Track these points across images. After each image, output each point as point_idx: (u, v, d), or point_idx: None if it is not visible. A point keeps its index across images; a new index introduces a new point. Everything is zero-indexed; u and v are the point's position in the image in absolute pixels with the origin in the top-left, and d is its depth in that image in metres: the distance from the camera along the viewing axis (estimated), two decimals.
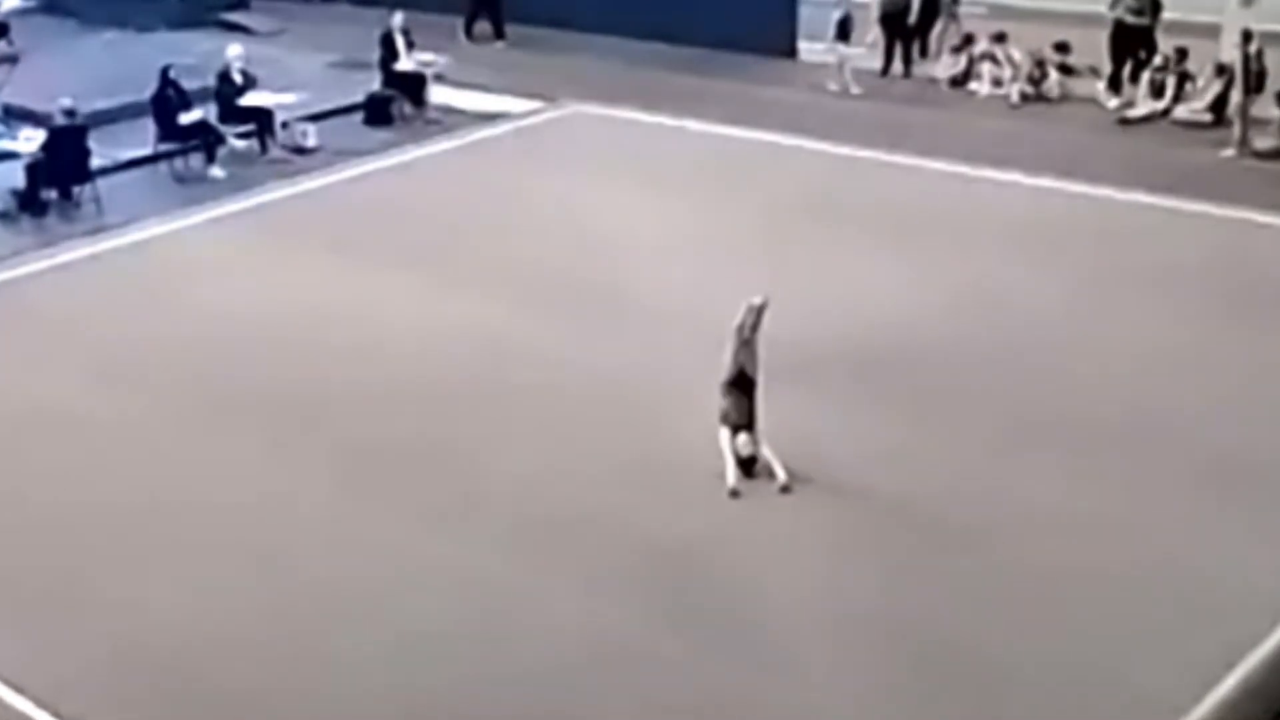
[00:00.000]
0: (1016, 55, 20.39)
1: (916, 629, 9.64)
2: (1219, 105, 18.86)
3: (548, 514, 10.93)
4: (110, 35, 24.13)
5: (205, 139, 18.39)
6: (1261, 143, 17.92)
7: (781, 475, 11.06)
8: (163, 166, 18.45)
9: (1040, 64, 20.28)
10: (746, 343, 11.31)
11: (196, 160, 18.41)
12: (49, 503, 11.30)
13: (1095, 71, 20.30)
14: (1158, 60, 19.51)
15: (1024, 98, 20.05)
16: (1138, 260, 15.07)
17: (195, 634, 9.73)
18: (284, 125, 19.14)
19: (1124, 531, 10.60)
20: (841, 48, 20.79)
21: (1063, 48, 20.44)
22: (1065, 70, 20.40)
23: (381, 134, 19.89)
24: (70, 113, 17.39)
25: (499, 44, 23.79)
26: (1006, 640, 9.53)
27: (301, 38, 24.02)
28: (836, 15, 20.87)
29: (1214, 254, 15.21)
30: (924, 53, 21.61)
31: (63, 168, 17.23)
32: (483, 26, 24.07)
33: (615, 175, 17.76)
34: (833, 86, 20.72)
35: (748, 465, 11.13)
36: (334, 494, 11.31)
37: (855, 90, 20.63)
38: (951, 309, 13.99)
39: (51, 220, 17.09)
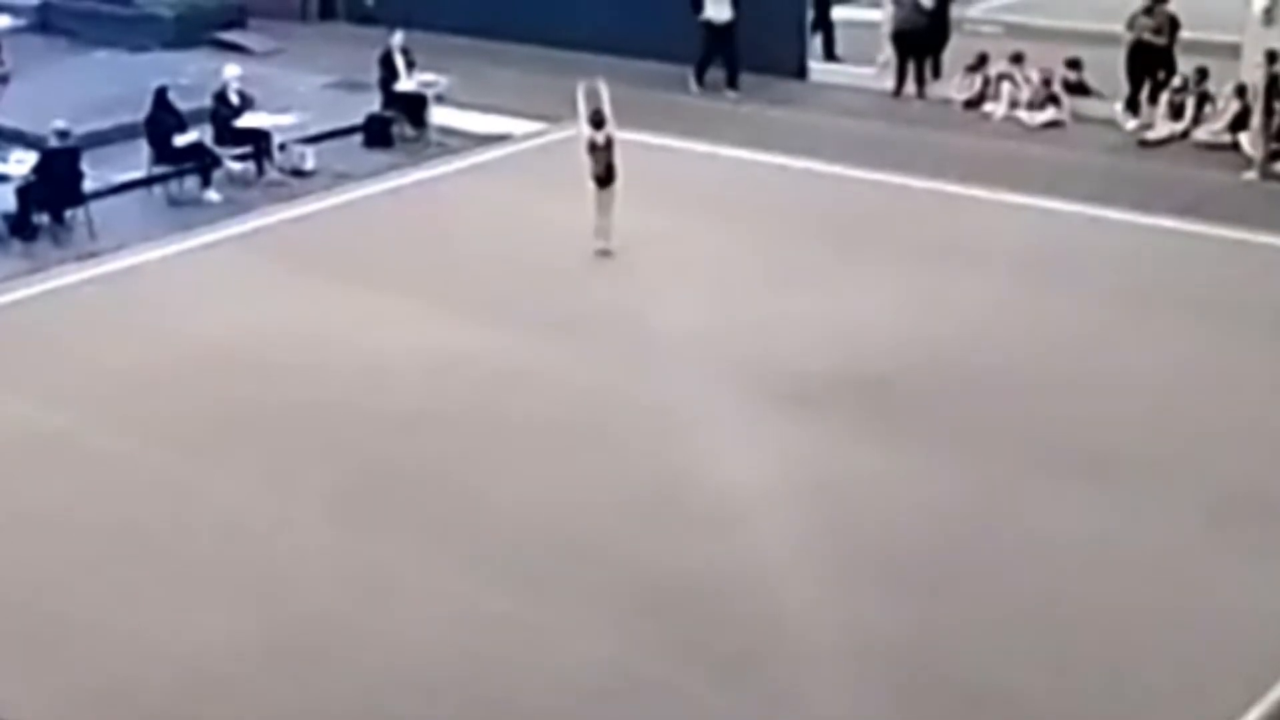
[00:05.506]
0: (1034, 76, 20.00)
1: (929, 663, 9.42)
2: (1238, 126, 18.47)
3: (549, 545, 10.74)
4: (104, 55, 23.85)
5: (201, 161, 18.11)
6: None
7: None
8: (157, 189, 18.18)
9: (1047, 83, 19.89)
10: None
11: (192, 183, 18.13)
12: (37, 532, 11.06)
13: (1084, 88, 19.96)
14: (1176, 81, 19.16)
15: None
16: (1158, 286, 14.79)
17: (184, 669, 9.51)
18: (281, 147, 18.83)
19: (1144, 564, 10.38)
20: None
21: (1075, 64, 20.06)
22: (1077, 89, 20.02)
23: (381, 156, 19.58)
24: (63, 134, 17.11)
25: (732, 94, 21.23)
26: (1023, 677, 9.31)
27: (299, 58, 23.74)
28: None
29: (1236, 280, 14.93)
30: (937, 73, 21.26)
31: (55, 191, 16.92)
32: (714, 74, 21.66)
33: (621, 199, 17.42)
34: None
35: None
36: (331, 524, 11.13)
37: None
38: (966, 335, 13.77)
39: (43, 245, 16.78)
